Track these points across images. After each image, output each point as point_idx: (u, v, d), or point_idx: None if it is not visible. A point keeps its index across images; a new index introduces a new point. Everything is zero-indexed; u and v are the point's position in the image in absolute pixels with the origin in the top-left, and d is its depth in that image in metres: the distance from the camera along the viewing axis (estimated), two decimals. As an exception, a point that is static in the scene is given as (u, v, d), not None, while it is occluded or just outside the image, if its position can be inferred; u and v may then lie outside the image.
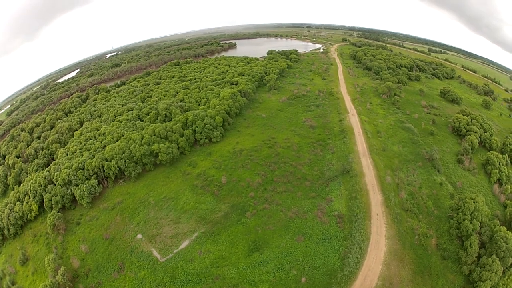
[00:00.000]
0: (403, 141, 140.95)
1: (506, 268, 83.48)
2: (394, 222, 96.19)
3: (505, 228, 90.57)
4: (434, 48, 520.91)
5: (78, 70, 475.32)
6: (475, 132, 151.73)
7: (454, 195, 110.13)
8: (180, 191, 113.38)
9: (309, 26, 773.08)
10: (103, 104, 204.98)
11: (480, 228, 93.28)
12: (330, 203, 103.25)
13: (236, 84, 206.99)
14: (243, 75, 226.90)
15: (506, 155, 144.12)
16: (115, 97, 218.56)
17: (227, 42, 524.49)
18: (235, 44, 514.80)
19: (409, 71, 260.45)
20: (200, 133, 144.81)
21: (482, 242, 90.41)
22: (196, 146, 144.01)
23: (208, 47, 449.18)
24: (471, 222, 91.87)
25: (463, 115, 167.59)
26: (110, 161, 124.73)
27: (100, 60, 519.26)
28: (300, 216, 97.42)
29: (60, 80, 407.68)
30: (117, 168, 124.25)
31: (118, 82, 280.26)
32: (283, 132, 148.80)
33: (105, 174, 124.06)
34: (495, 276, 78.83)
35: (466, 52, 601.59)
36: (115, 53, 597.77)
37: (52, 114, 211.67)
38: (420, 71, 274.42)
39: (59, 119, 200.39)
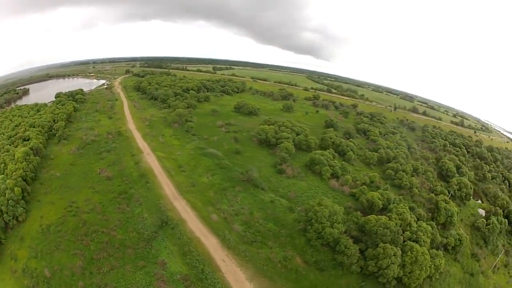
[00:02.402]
0: (211, 169, 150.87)
1: (400, 245, 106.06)
2: (246, 261, 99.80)
3: (374, 216, 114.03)
4: (219, 66, 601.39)
5: None
6: (287, 138, 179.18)
7: (293, 207, 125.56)
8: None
9: (94, 62, 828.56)
10: None
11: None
12: (165, 266, 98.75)
13: (28, 140, 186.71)
14: (34, 127, 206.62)
15: (330, 149, 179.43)
16: None
17: (22, 88, 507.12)
18: (28, 90, 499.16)
19: (197, 93, 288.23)
20: (7, 212, 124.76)
21: (355, 238, 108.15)
22: (8, 231, 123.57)
23: (7, 96, 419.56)
24: (332, 227, 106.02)
25: (268, 125, 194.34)
26: None
27: None
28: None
29: None
30: None
31: None
32: (82, 192, 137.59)
33: None
34: (396, 258, 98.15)
35: (254, 63, 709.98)
36: None
37: None
38: (208, 91, 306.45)
39: None
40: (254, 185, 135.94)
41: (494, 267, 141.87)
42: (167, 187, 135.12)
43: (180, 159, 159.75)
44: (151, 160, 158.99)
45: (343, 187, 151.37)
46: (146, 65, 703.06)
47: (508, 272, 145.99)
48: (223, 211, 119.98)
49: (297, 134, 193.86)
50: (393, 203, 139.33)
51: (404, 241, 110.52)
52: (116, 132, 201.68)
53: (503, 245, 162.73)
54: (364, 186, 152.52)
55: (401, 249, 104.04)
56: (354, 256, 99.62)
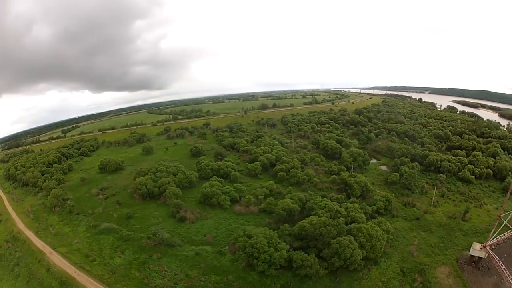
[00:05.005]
0: (117, 246, 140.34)
1: (347, 231, 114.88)
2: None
3: (306, 221, 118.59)
4: (66, 128, 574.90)
5: None
6: (168, 183, 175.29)
7: (221, 249, 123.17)
8: None
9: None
10: None
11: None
12: None
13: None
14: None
15: (214, 176, 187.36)
16: None
17: None
18: None
19: (59, 164, 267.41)
20: None
21: (300, 248, 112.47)
22: None
23: None
24: (277, 250, 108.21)
25: (143, 176, 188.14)
26: None
27: None
28: None
29: None
30: None
31: None
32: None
33: None
34: (353, 244, 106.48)
35: (96, 114, 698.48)
36: None
37: None
38: (68, 159, 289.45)
39: None
40: (168, 245, 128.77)
41: (433, 202, 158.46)
42: (93, 286, 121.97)
43: (82, 248, 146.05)
44: (57, 260, 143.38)
45: (249, 208, 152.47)
46: (6, 147, 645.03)
47: (450, 198, 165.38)
48: (161, 286, 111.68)
49: (174, 175, 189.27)
50: (307, 200, 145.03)
51: (347, 226, 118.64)
52: (12, 237, 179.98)
53: (427, 183, 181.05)
54: (270, 198, 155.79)
55: (350, 234, 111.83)
56: (316, 263, 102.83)
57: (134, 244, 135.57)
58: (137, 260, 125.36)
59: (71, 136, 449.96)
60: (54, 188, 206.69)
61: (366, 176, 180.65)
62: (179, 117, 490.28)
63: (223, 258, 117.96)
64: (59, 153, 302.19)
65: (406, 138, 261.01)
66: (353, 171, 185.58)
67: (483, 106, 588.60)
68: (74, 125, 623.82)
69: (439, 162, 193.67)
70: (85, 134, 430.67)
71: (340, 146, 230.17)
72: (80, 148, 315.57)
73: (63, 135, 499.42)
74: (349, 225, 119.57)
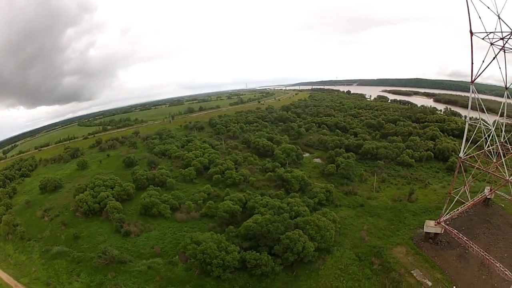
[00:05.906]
0: (72, 270, 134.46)
1: (294, 226, 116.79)
2: None
3: (250, 220, 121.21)
4: (6, 148, 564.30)
5: None
6: (107, 197, 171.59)
7: (172, 260, 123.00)
8: None
9: None
10: None
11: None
12: None
13: None
14: None
15: (150, 186, 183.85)
16: None
17: None
18: None
19: (5, 188, 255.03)
20: None
21: (251, 248, 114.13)
22: None
23: None
24: (229, 252, 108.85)
25: (82, 192, 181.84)
26: None
27: None
28: None
29: None
30: None
31: None
32: None
33: None
34: (303, 237, 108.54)
35: (32, 131, 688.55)
36: None
37: None
38: (11, 181, 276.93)
39: None
40: (120, 262, 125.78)
41: (374, 188, 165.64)
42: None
43: (41, 276, 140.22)
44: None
45: (191, 214, 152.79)
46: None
47: (391, 183, 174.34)
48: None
49: (112, 188, 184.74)
50: (248, 200, 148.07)
51: (293, 220, 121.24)
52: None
53: (365, 171, 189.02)
54: (210, 201, 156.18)
55: (298, 228, 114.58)
56: (269, 260, 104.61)
57: (87, 265, 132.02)
58: (94, 282, 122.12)
59: (11, 156, 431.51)
60: (4, 214, 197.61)
61: (302, 170, 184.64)
62: (109, 127, 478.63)
63: (176, 269, 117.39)
64: (2, 175, 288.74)
65: (337, 130, 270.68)
66: (288, 167, 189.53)
67: (416, 93, 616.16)
68: (13, 144, 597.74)
69: (375, 150, 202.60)
70: (23, 153, 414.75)
71: (271, 144, 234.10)
72: (20, 169, 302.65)
73: (4, 156, 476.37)
74: (295, 219, 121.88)
